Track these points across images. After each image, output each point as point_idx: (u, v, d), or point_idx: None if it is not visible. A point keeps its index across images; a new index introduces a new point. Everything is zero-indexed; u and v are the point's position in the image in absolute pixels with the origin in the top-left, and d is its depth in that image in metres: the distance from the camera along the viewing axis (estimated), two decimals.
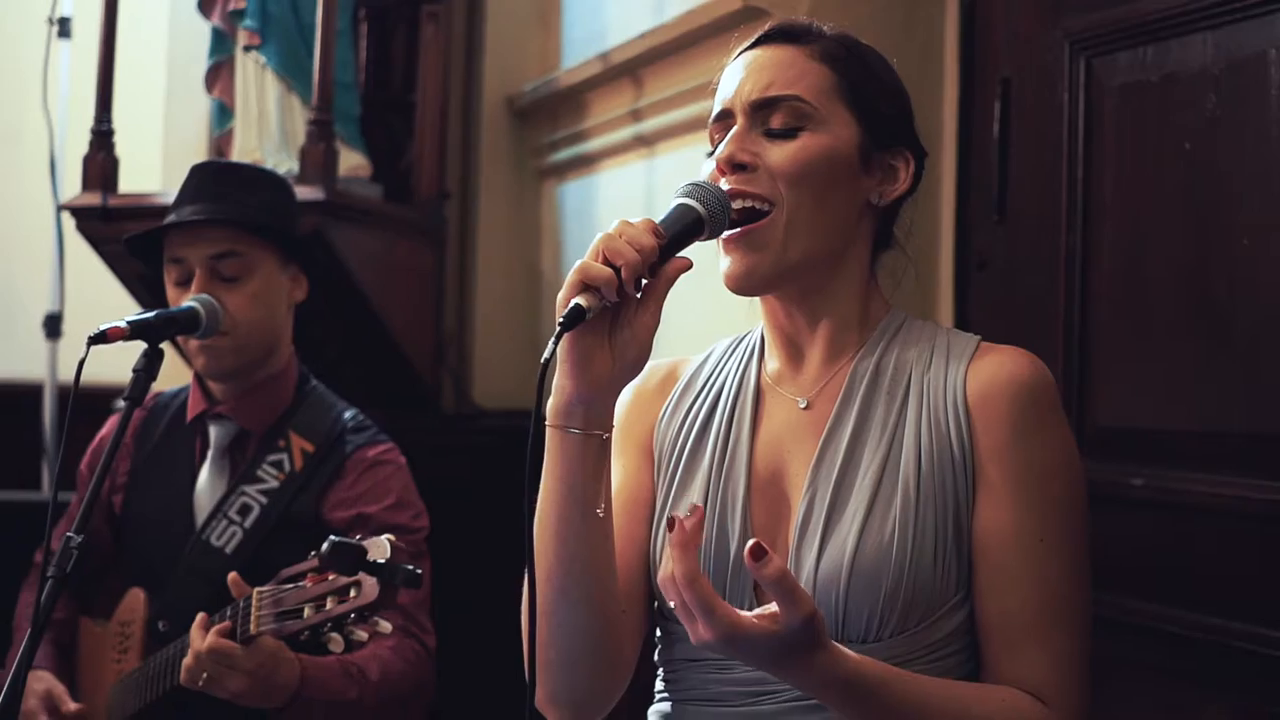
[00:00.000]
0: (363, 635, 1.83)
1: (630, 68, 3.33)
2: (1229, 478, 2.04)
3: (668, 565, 1.29)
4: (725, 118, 1.56)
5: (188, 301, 2.21)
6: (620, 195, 3.54)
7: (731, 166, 1.51)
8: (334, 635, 1.83)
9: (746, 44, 1.61)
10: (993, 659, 1.48)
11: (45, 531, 1.91)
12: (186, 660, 1.99)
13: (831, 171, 1.51)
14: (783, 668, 1.34)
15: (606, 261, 1.35)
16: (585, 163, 3.72)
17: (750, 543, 1.27)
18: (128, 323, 1.96)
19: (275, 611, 1.90)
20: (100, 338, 1.90)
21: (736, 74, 1.57)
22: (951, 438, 1.49)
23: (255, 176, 2.45)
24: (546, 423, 1.42)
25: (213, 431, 2.43)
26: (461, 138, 4.01)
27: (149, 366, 1.92)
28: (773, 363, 1.63)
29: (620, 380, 1.42)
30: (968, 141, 2.65)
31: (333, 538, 1.69)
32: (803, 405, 1.58)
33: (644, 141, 3.37)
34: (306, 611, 1.84)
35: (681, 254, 1.43)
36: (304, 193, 3.08)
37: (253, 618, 1.94)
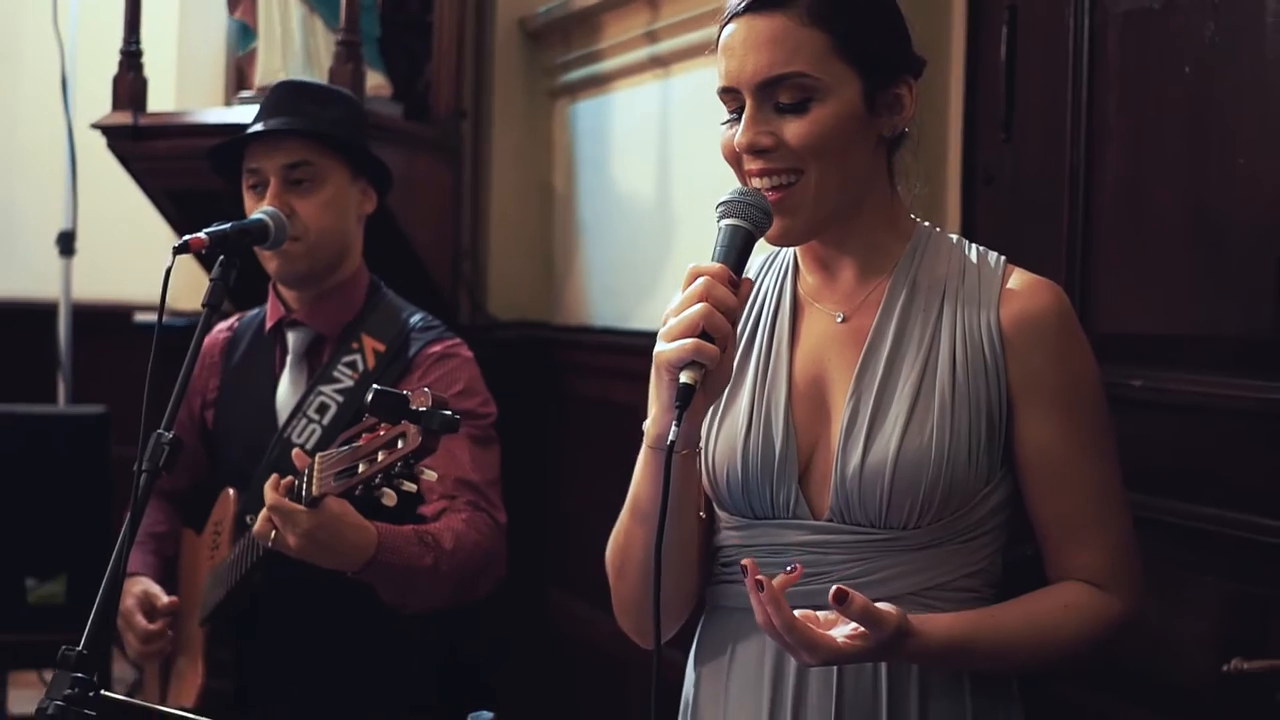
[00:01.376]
0: (411, 486, 1.94)
1: None
2: (1222, 378, 2.20)
3: (759, 607, 1.51)
4: (733, 96, 1.68)
5: (257, 214, 2.35)
6: (634, 115, 3.67)
7: (754, 152, 1.65)
8: (386, 490, 1.93)
9: (735, 8, 1.68)
10: (1055, 555, 1.71)
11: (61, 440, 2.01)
12: (258, 519, 2.15)
13: (845, 132, 1.64)
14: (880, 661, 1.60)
15: (706, 334, 1.49)
16: (599, 83, 3.84)
17: (833, 589, 1.48)
18: (206, 234, 2.09)
19: (334, 472, 2.02)
20: (183, 248, 2.03)
21: (735, 51, 1.65)
22: (985, 353, 1.67)
23: (329, 94, 2.61)
24: (651, 446, 1.62)
25: (290, 338, 2.58)
26: (475, 58, 4.12)
27: (224, 274, 2.06)
28: (810, 277, 1.79)
29: (709, 408, 1.64)
30: (975, 64, 2.79)
31: (375, 386, 1.82)
32: (840, 319, 1.74)
33: (659, 62, 3.50)
34: (361, 467, 1.95)
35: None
36: None
37: (315, 480, 2.07)
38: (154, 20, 4.63)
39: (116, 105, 3.55)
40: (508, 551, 2.50)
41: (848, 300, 1.75)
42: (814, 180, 1.63)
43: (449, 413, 1.83)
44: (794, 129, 1.62)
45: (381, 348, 2.53)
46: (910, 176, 1.83)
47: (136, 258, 4.57)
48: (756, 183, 1.65)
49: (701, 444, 1.75)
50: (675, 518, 1.61)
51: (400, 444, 1.88)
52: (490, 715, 1.35)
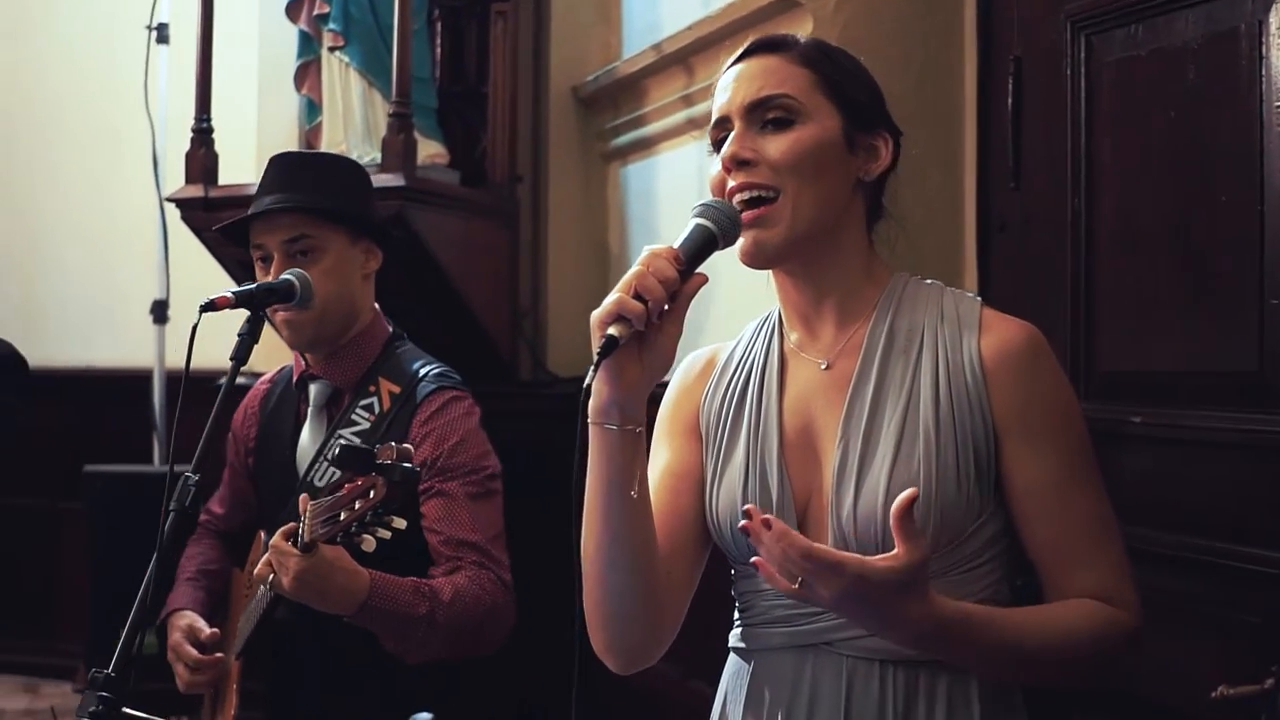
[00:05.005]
0: (385, 534, 2.04)
1: (682, 56, 3.60)
2: (1215, 412, 2.26)
3: (770, 550, 1.53)
4: (724, 123, 1.79)
5: (285, 275, 2.50)
6: (677, 174, 3.81)
7: (736, 163, 1.75)
8: (365, 536, 2.05)
9: (735, 57, 1.83)
10: (1054, 582, 1.73)
11: (165, 500, 2.17)
12: (260, 562, 2.28)
13: (823, 155, 1.74)
14: (900, 611, 1.56)
15: (637, 295, 1.57)
16: (645, 146, 3.99)
17: (902, 495, 1.52)
18: (232, 293, 2.25)
19: (321, 519, 2.13)
20: (210, 306, 2.19)
21: (729, 85, 1.79)
22: (969, 386, 1.72)
23: (325, 163, 2.74)
24: (589, 420, 1.67)
25: (312, 390, 2.73)
26: (531, 125, 4.29)
27: (251, 330, 2.21)
28: (793, 334, 1.87)
29: (649, 383, 1.65)
30: (986, 115, 2.89)
31: (341, 442, 1.93)
32: (824, 366, 1.81)
33: (695, 124, 3.64)
34: (342, 515, 2.07)
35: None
36: (385, 179, 3.39)
37: (306, 526, 2.18)
38: (236, 98, 4.91)
39: (189, 179, 3.77)
40: (515, 605, 2.56)
41: (830, 348, 1.82)
42: (790, 198, 1.72)
43: (409, 466, 1.96)
44: (776, 145, 1.73)
45: (396, 389, 2.65)
46: (918, 240, 1.94)
47: (224, 325, 4.79)
48: (737, 201, 1.73)
49: (708, 500, 1.83)
50: (614, 493, 1.66)
51: (371, 494, 2.01)
52: (429, 716, 1.44)
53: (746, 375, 1.87)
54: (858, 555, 1.53)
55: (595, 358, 1.54)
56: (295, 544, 2.21)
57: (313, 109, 4.07)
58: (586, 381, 1.55)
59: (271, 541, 2.24)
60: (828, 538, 1.71)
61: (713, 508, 1.82)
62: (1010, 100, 2.79)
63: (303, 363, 2.76)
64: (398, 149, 3.52)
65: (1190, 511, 2.30)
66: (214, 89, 3.95)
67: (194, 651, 2.62)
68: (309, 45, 4.00)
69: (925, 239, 2.91)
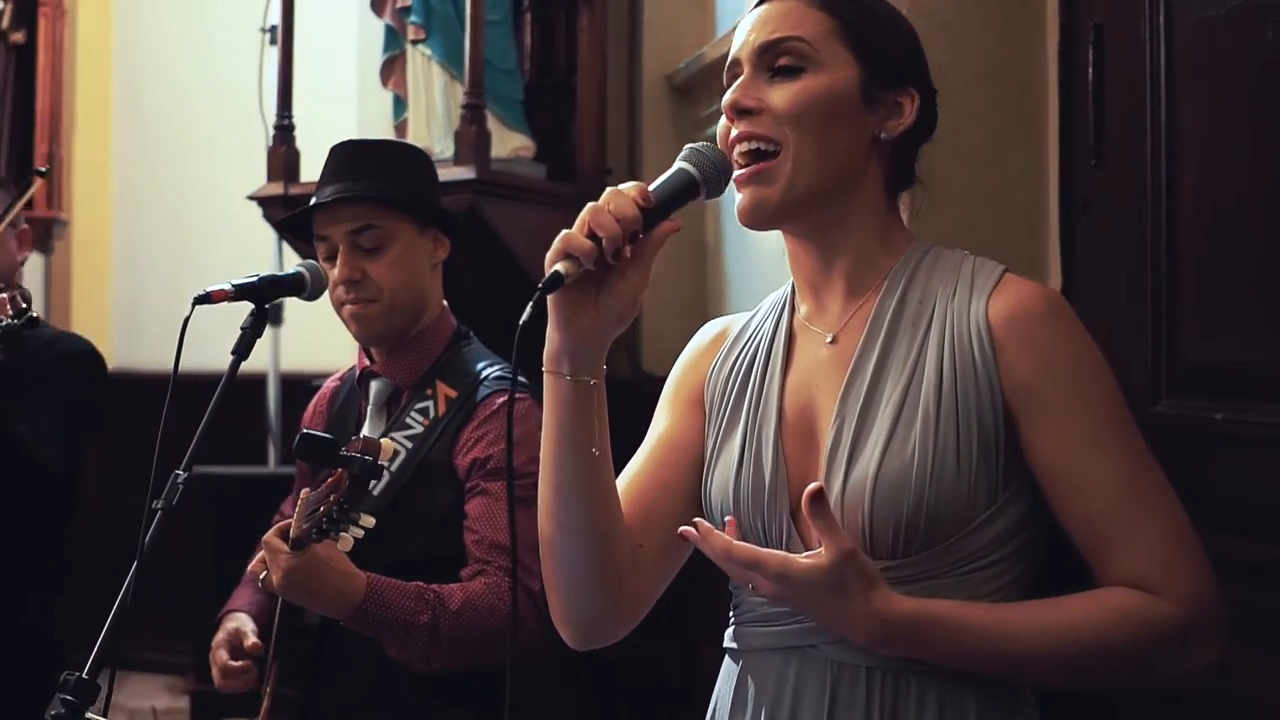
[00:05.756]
0: (358, 532, 1.97)
1: None
2: None
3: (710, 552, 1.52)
4: (735, 69, 1.67)
5: (295, 266, 2.42)
6: None
7: (737, 111, 1.62)
8: (342, 535, 1.98)
9: (755, 2, 1.71)
10: (1095, 565, 1.55)
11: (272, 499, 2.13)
12: (255, 558, 2.21)
13: (832, 109, 1.61)
14: (841, 612, 1.47)
15: (591, 232, 1.47)
16: None
17: (810, 488, 1.45)
18: (233, 285, 2.17)
19: (305, 514, 2.06)
20: (205, 298, 2.12)
21: (745, 28, 1.68)
22: (976, 360, 1.56)
23: (388, 150, 2.67)
24: (544, 369, 1.57)
25: (372, 388, 2.65)
26: (626, 116, 4.18)
27: (255, 325, 2.14)
28: (803, 305, 1.74)
29: (605, 333, 1.54)
30: (1069, 88, 2.67)
31: (303, 430, 1.85)
32: (828, 340, 1.67)
33: None
34: (320, 510, 2.00)
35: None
36: (457, 172, 3.30)
37: (294, 523, 2.11)
38: (336, 96, 4.90)
39: (271, 177, 3.75)
40: (544, 620, 2.45)
41: (837, 321, 1.68)
42: (791, 153, 1.59)
43: (369, 459, 1.87)
44: (781, 94, 1.60)
45: (454, 394, 2.56)
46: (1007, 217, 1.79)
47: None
48: (739, 154, 1.62)
49: (704, 481, 1.71)
50: (565, 449, 1.57)
51: (337, 489, 1.92)
52: None
53: (754, 350, 1.74)
54: (781, 554, 1.46)
55: (537, 292, 1.44)
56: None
57: (400, 104, 4.02)
58: (523, 318, 1.43)
59: (264, 538, 2.16)
60: None
61: (707, 490, 1.70)
62: (1091, 70, 2.56)
63: (365, 358, 2.68)
64: (470, 140, 3.44)
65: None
66: (314, 88, 3.94)
67: (225, 657, 2.56)
68: (394, 39, 3.96)
69: (1008, 222, 2.72)
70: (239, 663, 2.56)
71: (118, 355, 6.50)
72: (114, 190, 6.82)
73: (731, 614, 1.73)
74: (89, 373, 2.95)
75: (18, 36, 6.31)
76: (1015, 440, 1.56)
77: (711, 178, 1.55)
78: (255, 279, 2.23)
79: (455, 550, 2.38)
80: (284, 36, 3.73)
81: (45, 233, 6.28)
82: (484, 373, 2.59)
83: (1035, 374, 1.55)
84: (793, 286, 1.76)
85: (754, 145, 1.61)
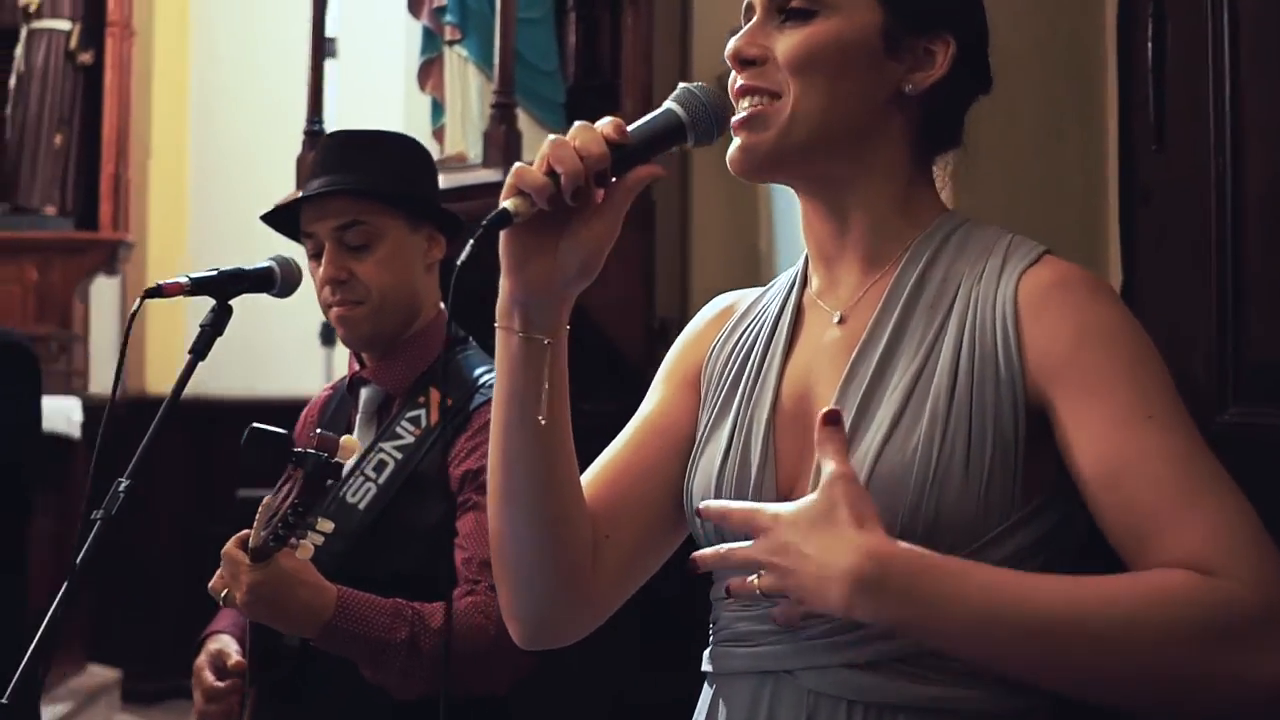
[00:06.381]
0: (317, 538, 1.80)
1: None
2: None
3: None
4: (749, 12, 1.46)
5: (266, 260, 2.25)
6: None
7: (740, 62, 1.42)
8: (301, 543, 1.81)
9: None
10: (1142, 557, 1.24)
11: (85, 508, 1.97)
12: (216, 574, 2.04)
13: (842, 58, 1.39)
14: (827, 547, 1.22)
15: (550, 167, 1.28)
16: None
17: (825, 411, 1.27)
18: (189, 279, 2.01)
19: (264, 521, 1.89)
20: (156, 291, 1.95)
21: None
22: (999, 350, 1.34)
23: (381, 141, 2.47)
24: (495, 323, 1.39)
25: (362, 395, 2.47)
26: None
27: (215, 322, 1.97)
28: (815, 278, 1.52)
29: (564, 285, 1.35)
30: (1128, 66, 2.43)
31: (252, 425, 1.68)
32: (836, 320, 1.46)
33: None
34: (275, 515, 1.83)
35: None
36: (484, 175, 3.14)
37: (253, 532, 1.94)
38: (384, 104, 4.79)
39: (298, 184, 3.61)
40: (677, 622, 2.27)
41: (849, 299, 1.46)
42: (790, 101, 1.38)
43: (323, 456, 1.68)
44: (787, 41, 1.39)
45: (448, 401, 2.38)
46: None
47: None
48: (739, 107, 1.41)
49: (688, 471, 1.49)
50: (514, 413, 1.39)
51: (291, 490, 1.74)
52: None
53: (759, 329, 1.53)
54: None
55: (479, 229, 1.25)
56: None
57: (438, 109, 3.88)
58: (460, 257, 1.23)
59: (224, 550, 1.99)
60: None
61: (689, 481, 1.49)
62: (1150, 45, 2.32)
63: (356, 363, 2.51)
64: (499, 141, 3.27)
65: None
66: (364, 95, 3.82)
67: (211, 678, 2.38)
68: (431, 41, 3.82)
69: (1062, 213, 2.50)
70: (224, 683, 2.39)
71: (192, 381, 6.47)
72: (189, 212, 6.79)
73: (710, 632, 1.51)
74: (16, 369, 2.77)
75: (86, 57, 6.30)
76: (1043, 441, 1.32)
77: (701, 120, 1.35)
78: (214, 272, 2.05)
79: (447, 569, 2.19)
80: (314, 40, 3.61)
81: (111, 255, 6.25)
82: (481, 379, 2.40)
83: (1069, 347, 1.30)
84: (806, 258, 1.55)
85: (756, 101, 1.41)
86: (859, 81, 1.40)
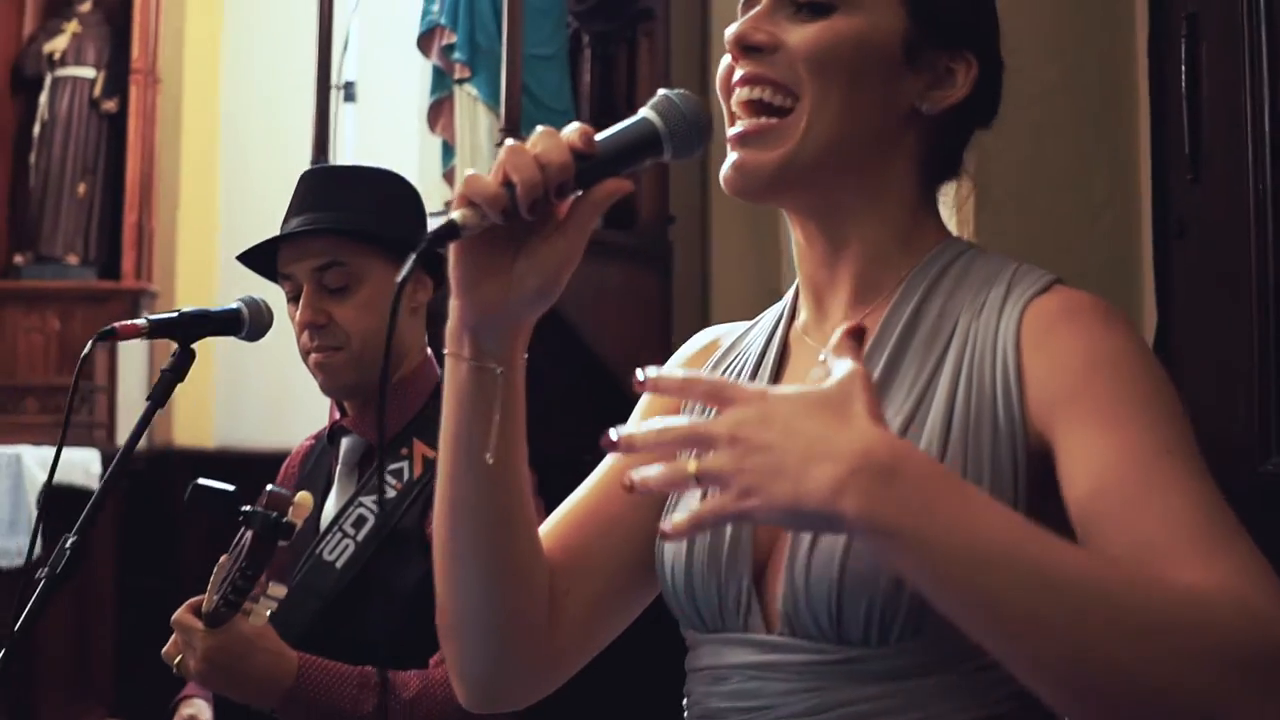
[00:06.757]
0: (269, 604, 1.67)
1: None
2: None
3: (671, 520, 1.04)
4: (751, 2, 1.30)
5: (235, 301, 2.13)
6: None
7: (743, 49, 1.26)
8: (253, 608, 1.69)
9: None
10: None
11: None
12: (170, 640, 1.92)
13: (862, 60, 1.24)
14: (838, 432, 0.99)
15: (506, 177, 1.12)
16: None
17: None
18: (148, 320, 1.88)
19: (217, 584, 1.77)
20: (109, 334, 1.83)
21: None
22: (997, 392, 1.18)
23: (362, 177, 2.34)
24: (445, 348, 1.24)
25: (343, 445, 2.34)
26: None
27: (175, 366, 1.84)
28: (803, 311, 1.37)
29: (520, 309, 1.19)
30: (1160, 92, 2.28)
31: (197, 480, 1.55)
32: (823, 358, 1.30)
33: None
34: (226, 579, 1.72)
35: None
36: None
37: (206, 596, 1.82)
38: (400, 148, 4.70)
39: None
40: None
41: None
42: (807, 108, 1.22)
43: (275, 515, 1.54)
44: (803, 33, 1.24)
45: (432, 454, 2.23)
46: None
47: None
48: (738, 101, 1.25)
49: (662, 522, 1.35)
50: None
51: (242, 552, 1.61)
52: None
53: (741, 367, 1.38)
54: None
55: (423, 241, 1.10)
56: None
57: (448, 152, 3.78)
58: (400, 275, 1.09)
59: (174, 617, 1.85)
60: (779, 593, 1.20)
61: (661, 546, 1.32)
62: (1184, 68, 2.17)
63: (337, 411, 2.38)
64: None
65: None
66: (380, 139, 3.73)
67: None
68: (442, 81, 3.73)
69: (1092, 250, 2.34)
70: None
71: (219, 433, 6.38)
72: (219, 261, 6.72)
73: (684, 708, 1.36)
74: None
75: (110, 105, 6.24)
76: (1049, 489, 1.16)
77: (680, 131, 1.18)
78: (175, 314, 1.93)
79: (427, 633, 2.03)
80: (319, 85, 3.50)
81: (133, 304, 6.16)
82: None
83: (1075, 377, 1.13)
84: (796, 288, 1.39)
85: (759, 93, 1.24)
86: (877, 92, 1.25)
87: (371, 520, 2.18)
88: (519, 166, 1.11)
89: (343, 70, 5.08)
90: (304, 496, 1.70)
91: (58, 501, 2.53)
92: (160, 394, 1.84)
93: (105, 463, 5.82)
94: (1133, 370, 1.15)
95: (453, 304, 1.21)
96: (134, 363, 6.70)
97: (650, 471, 1.01)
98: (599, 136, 1.17)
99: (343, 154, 5.01)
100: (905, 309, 1.26)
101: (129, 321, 1.87)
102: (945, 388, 1.20)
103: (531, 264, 1.17)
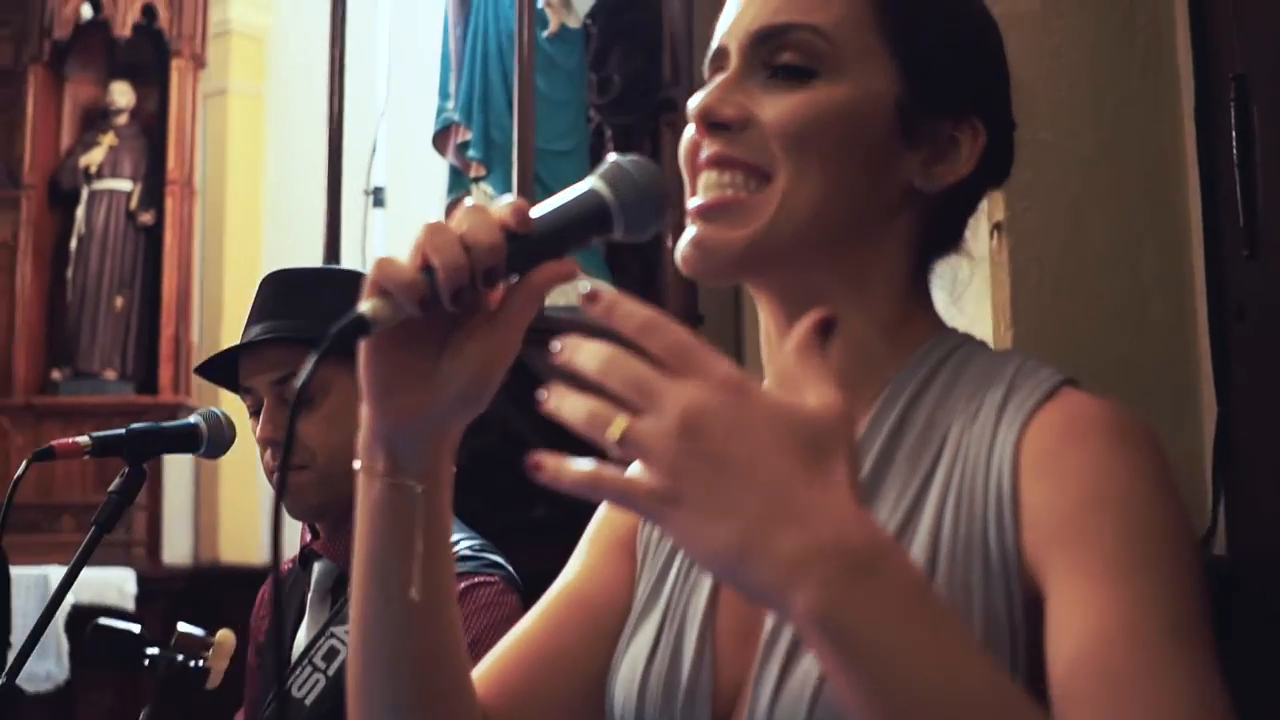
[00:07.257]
0: None
1: None
2: None
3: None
4: (719, 60, 1.12)
5: (194, 415, 1.95)
6: None
7: (709, 125, 1.08)
8: None
9: None
10: None
11: None
12: None
13: (849, 138, 1.06)
14: (814, 483, 0.79)
15: (426, 261, 0.93)
16: None
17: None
18: (91, 438, 1.72)
19: None
20: (47, 453, 1.66)
21: (737, 1, 1.13)
22: (989, 519, 0.98)
23: (327, 280, 2.17)
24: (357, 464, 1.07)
25: (315, 571, 2.16)
26: None
27: (124, 488, 1.68)
28: None
29: (445, 419, 1.01)
30: (1211, 161, 2.07)
31: (96, 621, 1.35)
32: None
33: None
34: None
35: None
36: None
37: None
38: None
39: None
40: None
41: None
42: (781, 188, 1.05)
43: (183, 659, 1.35)
44: (780, 106, 1.06)
45: None
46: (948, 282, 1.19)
47: None
48: (705, 185, 1.07)
49: (613, 665, 1.16)
50: (375, 581, 1.07)
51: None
52: None
53: None
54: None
55: (328, 339, 0.92)
56: None
57: None
58: (300, 378, 0.93)
59: None
60: None
61: (612, 679, 1.15)
62: (1234, 133, 1.96)
63: (308, 533, 2.19)
64: None
65: None
66: (408, 243, 3.60)
67: None
68: (458, 180, 3.60)
69: (1142, 339, 2.11)
70: None
71: (267, 548, 6.28)
72: None
73: None
74: None
75: (146, 218, 6.21)
76: (1035, 636, 0.95)
77: (632, 204, 0.97)
78: (123, 431, 1.76)
79: None
80: (330, 183, 3.37)
81: (170, 419, 6.06)
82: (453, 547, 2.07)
83: (1069, 509, 0.94)
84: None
85: (727, 178, 1.06)
86: (866, 171, 1.07)
87: (344, 653, 1.99)
88: (439, 248, 0.92)
89: (370, 176, 5.01)
90: (224, 635, 1.51)
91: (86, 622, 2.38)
92: (107, 518, 1.68)
93: (141, 583, 5.69)
94: (1144, 513, 0.94)
95: (364, 411, 1.02)
96: (179, 480, 6.60)
97: (571, 407, 0.79)
98: (537, 211, 0.97)
99: (371, 257, 4.93)
100: (890, 415, 1.06)
101: (68, 440, 1.70)
102: (933, 508, 1.00)
103: (456, 364, 0.98)
